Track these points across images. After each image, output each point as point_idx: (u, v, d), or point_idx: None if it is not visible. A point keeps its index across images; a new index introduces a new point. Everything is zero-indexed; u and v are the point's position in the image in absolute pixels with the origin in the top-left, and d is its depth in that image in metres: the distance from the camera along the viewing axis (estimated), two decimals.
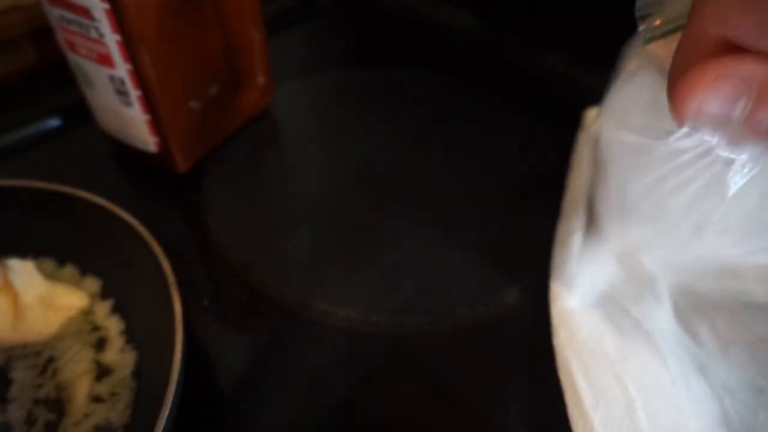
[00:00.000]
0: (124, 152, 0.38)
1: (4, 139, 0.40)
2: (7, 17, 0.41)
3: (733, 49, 0.15)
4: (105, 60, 0.32)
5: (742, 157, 0.17)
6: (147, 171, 0.38)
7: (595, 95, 0.26)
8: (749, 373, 0.27)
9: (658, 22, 0.20)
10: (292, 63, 0.50)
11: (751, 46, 0.14)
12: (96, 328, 0.29)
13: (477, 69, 0.49)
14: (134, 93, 0.33)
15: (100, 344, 0.28)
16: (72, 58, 0.33)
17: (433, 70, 0.48)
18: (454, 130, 0.43)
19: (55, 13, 0.31)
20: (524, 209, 0.37)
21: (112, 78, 0.32)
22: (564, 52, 0.48)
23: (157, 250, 0.27)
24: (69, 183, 0.30)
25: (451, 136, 0.43)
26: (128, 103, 0.33)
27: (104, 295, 0.30)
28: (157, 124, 0.34)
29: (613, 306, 0.29)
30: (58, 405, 0.26)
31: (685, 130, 0.17)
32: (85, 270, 0.31)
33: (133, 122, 0.35)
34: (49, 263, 0.31)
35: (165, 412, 0.22)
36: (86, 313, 0.29)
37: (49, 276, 0.30)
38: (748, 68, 0.14)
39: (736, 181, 0.17)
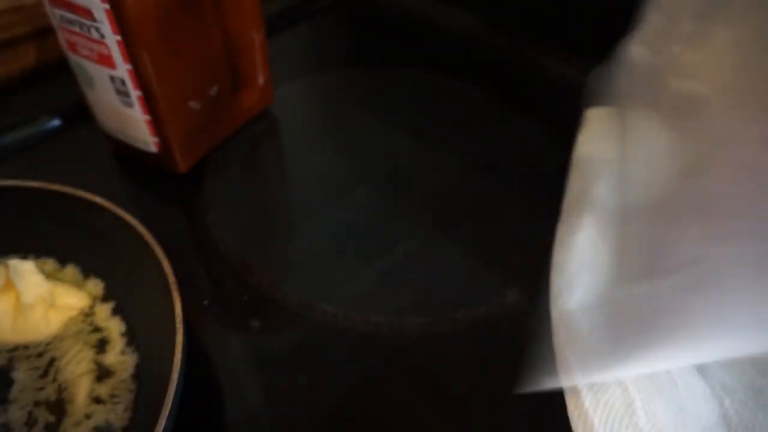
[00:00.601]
0: (124, 152, 0.38)
1: (4, 139, 0.40)
2: (7, 17, 0.41)
3: None
4: (105, 60, 0.32)
5: None
6: (147, 171, 0.38)
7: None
8: (748, 373, 0.27)
9: None
10: (292, 63, 0.50)
11: None
12: (97, 329, 0.29)
13: (477, 69, 0.49)
14: (134, 93, 0.33)
15: (101, 345, 0.28)
16: (73, 58, 0.33)
17: (433, 70, 0.48)
18: (454, 130, 0.43)
19: (56, 14, 0.31)
20: (524, 209, 0.37)
21: (112, 78, 0.33)
22: (564, 52, 0.48)
23: (157, 250, 0.27)
24: (69, 183, 0.30)
25: (451, 136, 0.43)
26: (128, 104, 0.33)
27: (106, 297, 0.30)
28: (157, 124, 0.34)
29: (613, 306, 0.29)
30: (58, 407, 0.26)
31: None
32: (85, 270, 0.31)
33: (134, 122, 0.35)
34: (51, 263, 0.31)
35: (166, 412, 0.22)
36: (87, 314, 0.30)
37: (51, 276, 0.30)
38: None
39: None
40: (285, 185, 0.40)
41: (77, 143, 0.41)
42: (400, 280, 0.33)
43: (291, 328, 0.31)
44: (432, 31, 0.54)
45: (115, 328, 0.29)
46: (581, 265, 0.30)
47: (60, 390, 0.27)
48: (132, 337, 0.29)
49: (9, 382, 0.27)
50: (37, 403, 0.26)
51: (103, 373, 0.27)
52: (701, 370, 0.27)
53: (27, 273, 0.29)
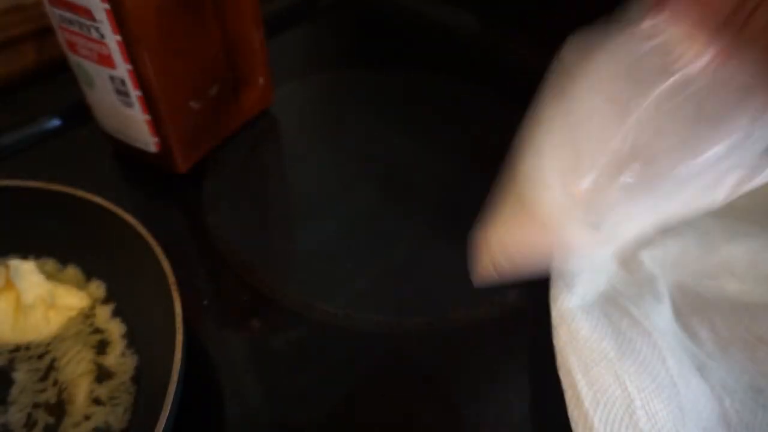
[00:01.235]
0: (124, 152, 0.38)
1: (4, 139, 0.40)
2: (7, 17, 0.41)
3: None
4: (105, 60, 0.32)
5: None
6: (147, 171, 0.38)
7: None
8: (748, 373, 0.27)
9: None
10: (292, 63, 0.50)
11: None
12: (97, 331, 0.29)
13: (477, 69, 0.49)
14: (134, 93, 0.33)
15: (102, 347, 0.28)
16: (73, 58, 0.33)
17: (433, 70, 0.48)
18: (454, 130, 0.43)
19: (56, 14, 0.31)
20: None
21: (112, 78, 0.33)
22: None
23: (157, 250, 0.27)
24: (69, 183, 0.30)
25: (451, 136, 0.43)
26: (128, 104, 0.33)
27: (107, 298, 0.30)
28: (157, 124, 0.34)
29: (613, 306, 0.29)
30: (58, 408, 0.26)
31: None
32: (87, 271, 0.31)
33: (134, 122, 0.35)
34: (51, 263, 0.31)
35: (166, 411, 0.22)
36: (87, 315, 0.30)
37: (51, 277, 0.30)
38: None
39: None
40: (285, 185, 0.40)
41: (77, 143, 0.41)
42: (400, 279, 0.33)
43: (291, 328, 0.31)
44: (432, 31, 0.54)
45: (115, 330, 0.29)
46: (581, 265, 0.30)
47: (60, 391, 0.27)
48: (132, 339, 0.29)
49: (9, 383, 0.27)
50: (36, 405, 0.26)
51: (103, 375, 0.27)
52: (701, 369, 0.27)
53: (27, 273, 0.29)
